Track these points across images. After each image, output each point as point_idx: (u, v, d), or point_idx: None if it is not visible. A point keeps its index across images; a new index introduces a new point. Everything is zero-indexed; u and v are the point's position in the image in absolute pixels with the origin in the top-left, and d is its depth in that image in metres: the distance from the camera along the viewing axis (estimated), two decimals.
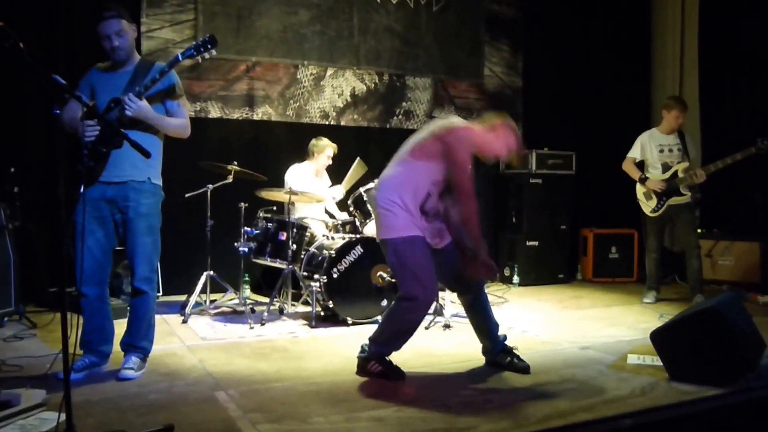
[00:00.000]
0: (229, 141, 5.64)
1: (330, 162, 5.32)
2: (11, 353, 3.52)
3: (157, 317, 3.45)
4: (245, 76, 5.75)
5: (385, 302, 4.42)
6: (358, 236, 4.50)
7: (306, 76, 5.99)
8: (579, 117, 7.04)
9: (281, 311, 4.74)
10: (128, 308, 3.38)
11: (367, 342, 3.22)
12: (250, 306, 4.67)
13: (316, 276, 4.37)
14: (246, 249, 4.59)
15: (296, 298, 4.88)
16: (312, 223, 4.97)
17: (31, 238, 4.61)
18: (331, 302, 4.31)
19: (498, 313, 3.84)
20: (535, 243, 6.39)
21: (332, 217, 5.35)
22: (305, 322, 4.44)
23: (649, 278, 5.48)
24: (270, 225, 4.67)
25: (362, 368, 3.19)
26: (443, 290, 4.46)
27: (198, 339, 3.98)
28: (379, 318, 4.29)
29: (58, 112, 2.29)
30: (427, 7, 6.47)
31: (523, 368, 3.24)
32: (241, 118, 5.76)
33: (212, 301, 4.82)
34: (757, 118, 6.00)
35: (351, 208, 4.76)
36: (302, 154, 5.35)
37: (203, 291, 4.68)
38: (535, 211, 6.40)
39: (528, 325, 4.45)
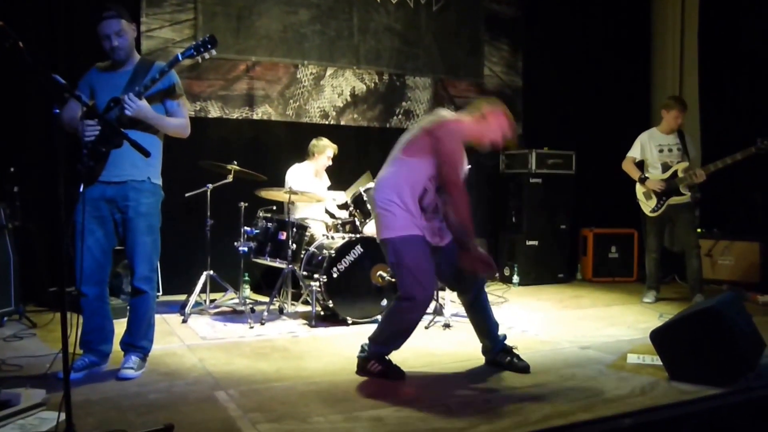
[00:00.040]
0: (228, 140, 5.64)
1: (330, 162, 5.32)
2: (11, 353, 3.52)
3: (157, 317, 3.45)
4: (245, 76, 5.75)
5: (384, 302, 4.42)
6: (358, 236, 4.50)
7: (306, 76, 5.99)
8: (579, 117, 7.04)
9: (281, 311, 4.74)
10: (128, 308, 3.38)
11: (367, 341, 3.22)
12: (250, 305, 4.67)
13: (316, 275, 4.37)
14: (246, 248, 4.59)
15: (296, 297, 4.88)
16: (312, 222, 4.97)
17: (30, 237, 4.61)
18: (330, 302, 4.31)
19: (498, 312, 3.84)
20: (535, 243, 6.39)
21: (333, 216, 5.35)
22: (305, 321, 4.44)
23: (648, 278, 5.48)
24: (270, 224, 4.68)
25: (362, 368, 3.19)
26: (443, 290, 4.47)
27: (198, 338, 3.98)
28: (379, 317, 4.29)
29: (57, 111, 2.29)
30: (426, 7, 6.47)
31: (523, 368, 3.24)
32: (240, 118, 5.76)
33: (212, 301, 4.82)
34: (757, 118, 6.00)
35: (351, 208, 4.76)
36: (302, 153, 5.36)
37: (203, 290, 4.68)
38: (535, 210, 6.40)
39: (528, 325, 4.45)
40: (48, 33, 5.00)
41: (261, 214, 4.78)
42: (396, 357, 3.22)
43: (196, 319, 4.50)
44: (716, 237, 6.14)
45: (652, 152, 5.28)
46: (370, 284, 4.41)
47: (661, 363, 3.18)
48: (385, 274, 4.40)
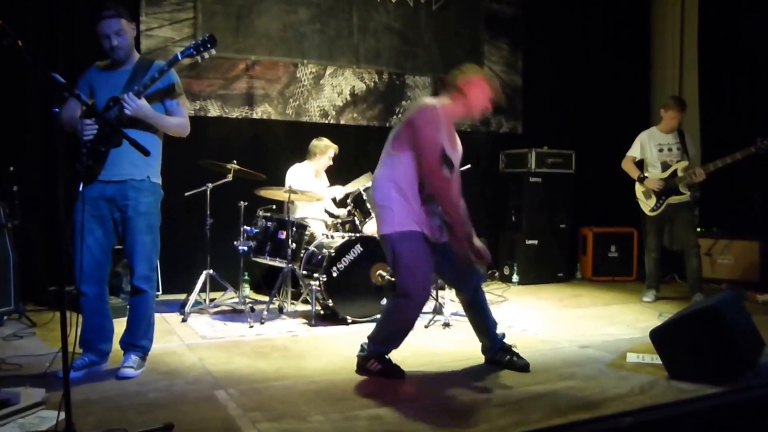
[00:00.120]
0: (228, 140, 5.64)
1: (330, 163, 5.32)
2: (11, 352, 3.52)
3: (157, 316, 3.46)
4: (245, 75, 5.75)
5: (384, 301, 4.42)
6: (357, 235, 4.50)
7: (305, 75, 5.99)
8: (579, 116, 7.04)
9: (281, 310, 4.74)
10: (128, 307, 3.38)
11: (366, 341, 3.23)
12: (250, 305, 4.67)
13: (315, 275, 4.37)
14: (245, 248, 4.59)
15: (296, 296, 4.88)
16: (311, 222, 4.97)
17: (30, 237, 4.62)
18: (330, 301, 4.31)
19: (497, 311, 3.84)
20: (535, 242, 6.40)
21: (332, 216, 5.35)
22: (305, 320, 4.44)
23: (648, 277, 5.48)
24: (269, 224, 4.68)
25: (362, 367, 3.20)
26: (443, 288, 4.47)
27: (198, 338, 3.98)
28: (379, 317, 4.29)
29: (57, 110, 2.29)
30: (426, 6, 6.47)
31: (523, 366, 3.24)
32: (240, 117, 5.76)
33: (212, 300, 4.82)
34: (757, 117, 6.01)
35: (350, 207, 4.76)
36: (302, 153, 5.35)
37: (203, 290, 4.68)
38: (535, 210, 6.41)
39: (527, 324, 4.45)
40: (48, 33, 5.00)
41: (261, 214, 4.78)
42: (395, 356, 3.22)
43: (195, 318, 4.51)
44: (716, 236, 6.14)
45: (652, 151, 5.28)
46: (370, 283, 4.41)
47: (660, 362, 3.18)
48: (384, 273, 4.40)
